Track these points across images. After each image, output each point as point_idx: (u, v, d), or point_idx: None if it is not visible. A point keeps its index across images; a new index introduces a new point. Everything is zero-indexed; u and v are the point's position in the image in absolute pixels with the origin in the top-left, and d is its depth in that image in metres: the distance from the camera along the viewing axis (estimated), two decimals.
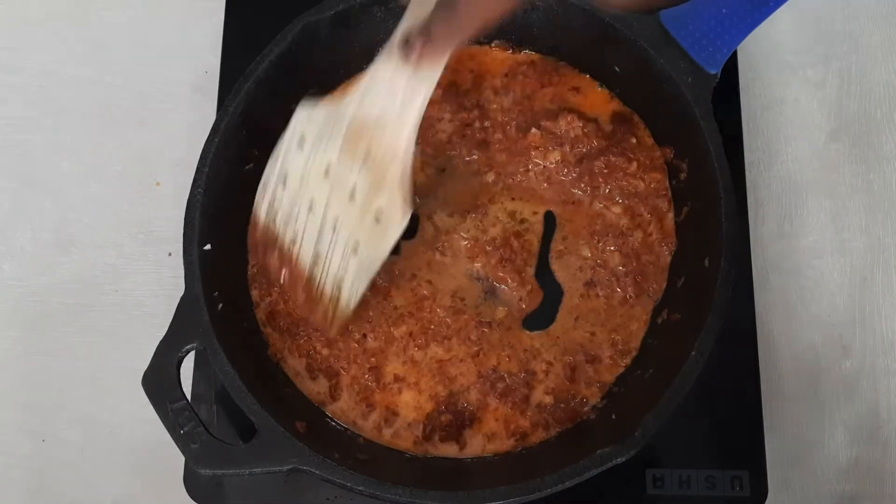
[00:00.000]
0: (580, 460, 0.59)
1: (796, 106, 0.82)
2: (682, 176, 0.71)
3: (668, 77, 0.68)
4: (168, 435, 0.59)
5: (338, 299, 0.64)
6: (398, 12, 0.73)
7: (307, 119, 0.62)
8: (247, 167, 0.72)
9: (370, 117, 0.58)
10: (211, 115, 0.77)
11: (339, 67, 0.76)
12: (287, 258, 0.64)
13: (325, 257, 0.63)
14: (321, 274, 0.63)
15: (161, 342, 0.62)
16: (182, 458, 0.63)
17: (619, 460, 0.59)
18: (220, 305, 0.65)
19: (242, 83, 0.69)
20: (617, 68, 0.73)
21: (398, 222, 0.60)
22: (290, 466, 0.59)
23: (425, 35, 0.53)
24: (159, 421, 0.60)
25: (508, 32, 0.76)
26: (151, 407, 0.60)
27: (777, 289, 0.76)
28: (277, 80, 0.71)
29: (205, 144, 0.67)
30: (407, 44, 0.54)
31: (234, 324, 0.66)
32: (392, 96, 0.57)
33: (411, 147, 0.57)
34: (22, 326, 0.77)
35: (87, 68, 0.84)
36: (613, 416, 0.66)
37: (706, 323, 0.62)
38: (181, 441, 0.59)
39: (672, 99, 0.69)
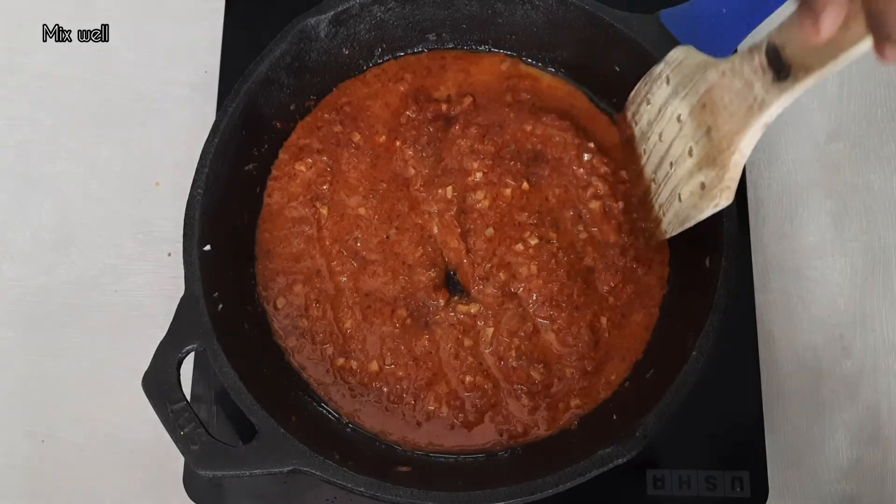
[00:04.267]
0: (581, 461, 0.59)
1: (797, 106, 0.81)
2: None
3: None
4: (168, 435, 0.59)
5: (659, 222, 0.67)
6: (398, 12, 0.74)
7: (677, 63, 0.64)
8: (247, 167, 0.72)
9: (721, 99, 0.58)
10: (211, 115, 0.77)
11: (338, 67, 0.76)
12: (639, 151, 0.70)
13: (660, 183, 0.66)
14: (654, 192, 0.67)
15: (161, 342, 0.62)
16: (182, 459, 0.63)
17: (620, 461, 0.59)
18: (220, 306, 0.65)
19: (242, 83, 0.69)
20: (617, 68, 0.73)
21: (714, 202, 0.60)
22: (290, 468, 0.59)
23: (793, 62, 0.52)
24: (159, 421, 0.60)
25: (509, 33, 0.76)
26: (151, 407, 0.60)
27: (777, 289, 0.76)
28: (277, 81, 0.71)
29: (205, 144, 0.67)
30: (776, 55, 0.52)
31: (234, 324, 0.66)
32: (745, 94, 0.56)
33: (749, 147, 0.57)
34: (22, 326, 0.77)
35: (87, 68, 0.85)
36: (614, 417, 0.66)
37: (706, 323, 0.62)
38: (181, 442, 0.59)
39: None
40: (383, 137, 0.75)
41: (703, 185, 0.60)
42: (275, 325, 0.71)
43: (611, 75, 0.74)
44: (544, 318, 0.70)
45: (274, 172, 0.74)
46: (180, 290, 0.63)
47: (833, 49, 0.49)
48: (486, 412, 0.68)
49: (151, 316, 0.76)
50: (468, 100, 0.76)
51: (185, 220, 0.65)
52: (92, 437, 0.74)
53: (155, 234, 0.79)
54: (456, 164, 0.74)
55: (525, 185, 0.73)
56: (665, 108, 0.65)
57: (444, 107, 0.76)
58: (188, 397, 0.63)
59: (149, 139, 0.82)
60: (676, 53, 0.64)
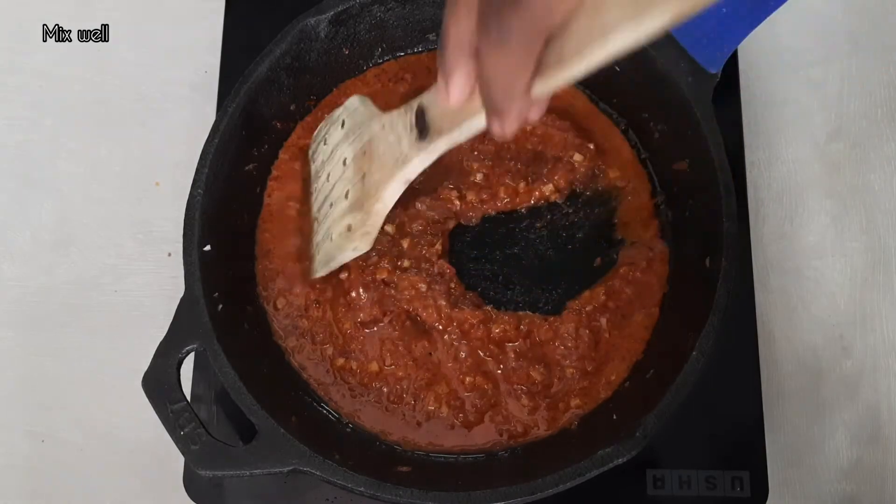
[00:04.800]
0: (581, 461, 0.59)
1: (797, 106, 0.82)
2: (683, 176, 0.71)
3: (668, 77, 0.68)
4: (168, 435, 0.59)
5: (313, 258, 0.69)
6: (397, 12, 0.74)
7: (353, 110, 0.67)
8: (247, 167, 0.72)
9: (378, 149, 0.62)
10: (211, 115, 0.77)
11: (338, 67, 0.76)
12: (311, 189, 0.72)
13: (320, 222, 0.68)
14: (315, 230, 0.69)
15: (161, 343, 0.62)
16: (182, 459, 0.63)
17: (620, 461, 0.59)
18: (220, 306, 0.65)
19: (242, 83, 0.69)
20: (617, 68, 0.73)
21: (353, 245, 0.63)
22: (290, 467, 0.59)
23: (431, 124, 0.55)
24: (159, 421, 0.60)
25: None
26: (151, 407, 0.60)
27: (777, 289, 0.76)
28: (277, 81, 0.71)
29: (205, 144, 0.67)
30: (422, 115, 0.56)
31: (234, 324, 0.66)
32: (395, 148, 0.59)
33: (392, 198, 0.61)
34: (22, 326, 0.77)
35: (87, 68, 0.84)
36: (614, 417, 0.66)
37: (706, 323, 0.62)
38: (181, 442, 0.59)
39: (672, 99, 0.69)
40: None
41: (349, 227, 0.63)
42: (275, 325, 0.71)
43: (611, 75, 0.74)
44: None
45: (274, 172, 0.74)
46: (180, 290, 0.63)
47: (462, 116, 0.51)
48: (486, 412, 0.68)
49: (151, 316, 0.76)
50: None
51: (185, 220, 0.65)
52: (92, 437, 0.74)
53: (155, 234, 0.79)
54: (456, 164, 0.74)
55: (522, 185, 0.73)
56: (336, 150, 0.67)
57: None
58: (188, 397, 0.63)
59: (149, 139, 0.82)
60: (353, 101, 0.67)
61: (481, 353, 0.69)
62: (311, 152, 0.72)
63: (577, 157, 0.74)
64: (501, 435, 0.68)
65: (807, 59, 0.83)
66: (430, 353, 0.69)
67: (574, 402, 0.68)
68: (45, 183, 0.81)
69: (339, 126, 0.68)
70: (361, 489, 0.59)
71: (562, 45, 0.42)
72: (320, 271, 0.67)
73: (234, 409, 0.61)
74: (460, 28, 0.43)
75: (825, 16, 0.84)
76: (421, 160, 0.57)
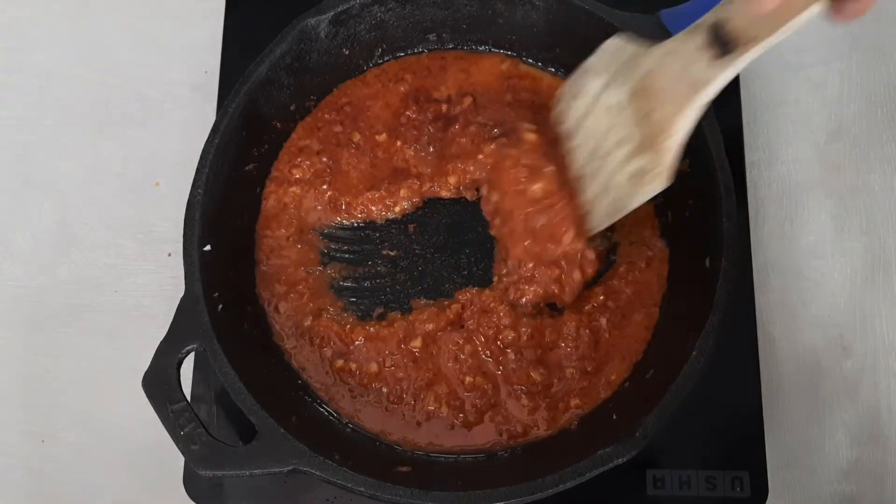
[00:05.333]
0: (581, 461, 0.59)
1: (797, 106, 0.82)
2: (683, 176, 0.71)
3: None
4: (168, 435, 0.59)
5: (587, 214, 0.66)
6: (398, 12, 0.74)
7: (612, 54, 0.63)
8: (247, 167, 0.72)
9: (659, 84, 0.58)
10: (211, 115, 0.77)
11: (338, 68, 0.76)
12: (566, 150, 0.68)
13: (590, 176, 0.65)
14: (585, 185, 0.66)
15: (161, 343, 0.62)
16: (182, 459, 0.63)
17: (620, 461, 0.59)
18: (220, 306, 0.65)
19: (242, 84, 0.69)
20: None
21: (648, 187, 0.60)
22: (290, 467, 0.59)
23: (739, 36, 0.52)
24: (159, 421, 0.60)
25: (509, 33, 0.76)
26: (151, 407, 0.60)
27: (777, 289, 0.76)
28: (277, 81, 0.71)
29: (205, 144, 0.67)
30: (719, 31, 0.53)
31: (234, 324, 0.66)
32: (684, 75, 0.56)
33: (686, 129, 0.57)
34: (22, 326, 0.77)
35: (87, 68, 0.85)
36: (614, 417, 0.66)
37: (706, 323, 0.62)
38: (181, 442, 0.59)
39: None
40: (384, 137, 0.76)
41: (638, 171, 0.60)
42: (275, 325, 0.71)
43: None
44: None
45: (274, 173, 0.74)
46: (180, 290, 0.63)
47: (782, 15, 0.49)
48: (486, 412, 0.68)
49: (151, 316, 0.76)
50: (468, 100, 0.76)
51: (185, 220, 0.65)
52: (92, 437, 0.74)
53: (155, 234, 0.79)
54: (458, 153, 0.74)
55: None
56: (598, 99, 0.64)
57: (444, 107, 0.76)
58: (188, 397, 0.63)
59: (149, 139, 0.82)
60: (612, 43, 0.64)
61: (482, 355, 0.69)
62: (558, 112, 0.68)
63: None
64: (501, 435, 0.68)
65: (807, 59, 0.83)
66: (431, 354, 0.69)
67: (574, 402, 0.68)
68: (45, 183, 0.81)
69: (596, 76, 0.64)
70: (361, 489, 0.59)
71: None
72: (605, 223, 0.65)
73: (234, 409, 0.61)
74: None
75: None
76: (726, 76, 0.54)
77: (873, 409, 0.73)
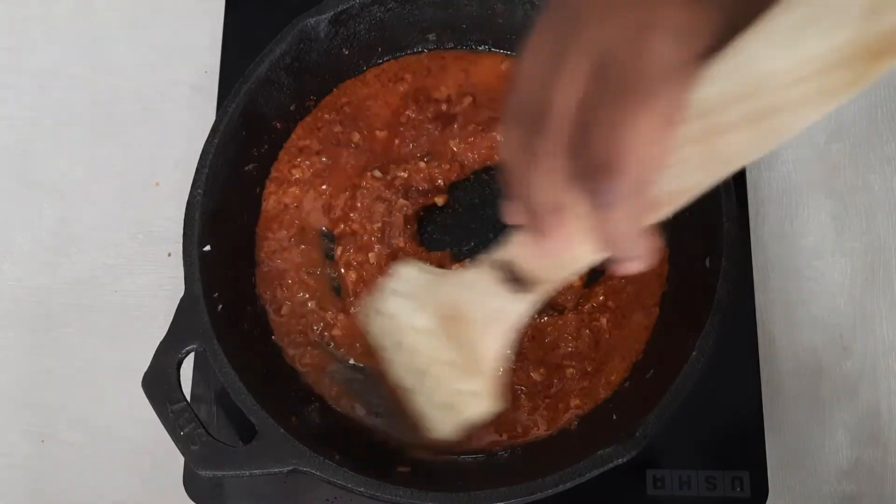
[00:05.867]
0: (581, 461, 0.59)
1: None
2: None
3: None
4: (168, 436, 0.59)
5: (422, 423, 0.61)
6: (397, 12, 0.74)
7: (409, 279, 0.59)
8: (247, 167, 0.72)
9: (464, 309, 0.55)
10: (211, 115, 0.77)
11: (338, 68, 0.76)
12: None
13: (414, 392, 0.59)
14: (408, 397, 0.61)
15: (161, 343, 0.62)
16: (181, 459, 0.63)
17: (620, 461, 0.59)
18: (220, 306, 0.65)
19: (242, 83, 0.69)
20: None
21: (483, 409, 0.56)
22: (290, 467, 0.59)
23: (528, 278, 0.51)
24: (159, 422, 0.60)
25: (509, 33, 0.76)
26: (151, 408, 0.60)
27: (777, 289, 0.76)
28: (277, 81, 0.71)
29: (205, 144, 0.67)
30: (509, 271, 0.51)
31: (234, 325, 0.66)
32: (487, 305, 0.54)
33: (503, 352, 0.55)
34: (22, 326, 0.77)
35: (87, 68, 0.84)
36: (614, 417, 0.66)
37: (706, 323, 0.62)
38: (181, 442, 0.59)
39: None
40: (384, 137, 0.76)
41: (468, 393, 0.56)
42: (275, 325, 0.71)
43: None
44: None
45: (273, 173, 0.74)
46: (180, 290, 0.63)
47: (566, 262, 0.49)
48: None
49: (151, 316, 0.76)
50: (468, 100, 0.76)
51: (185, 220, 0.65)
52: (92, 437, 0.74)
53: (155, 234, 0.79)
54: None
55: None
56: (410, 320, 0.58)
57: (444, 107, 0.76)
58: (188, 397, 0.63)
59: (149, 139, 0.82)
60: (405, 271, 0.59)
61: None
62: (367, 324, 0.62)
63: None
64: (501, 435, 0.68)
65: None
66: None
67: (574, 402, 0.68)
68: (45, 183, 0.81)
69: (395, 296, 0.59)
70: (361, 489, 0.59)
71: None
72: (447, 436, 0.59)
73: (234, 409, 0.61)
74: (546, 185, 0.41)
75: None
76: (527, 310, 0.53)
77: (873, 409, 0.73)
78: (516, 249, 0.51)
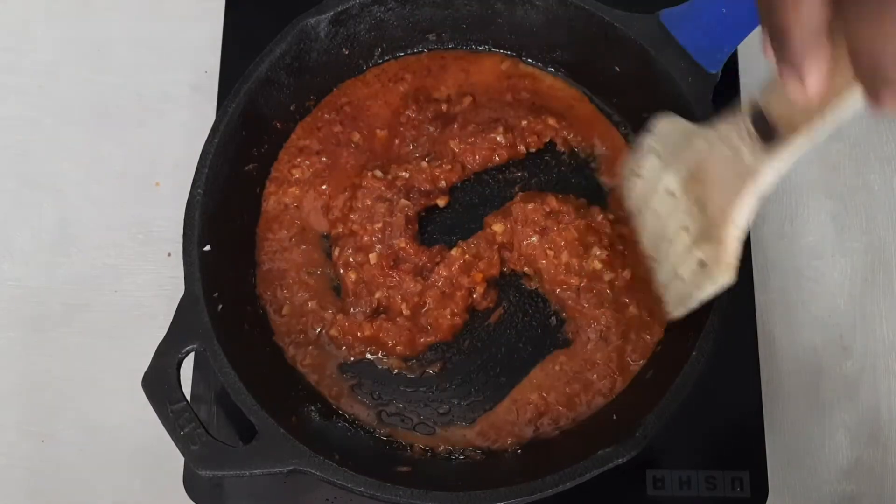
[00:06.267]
0: (581, 461, 0.59)
1: None
2: None
3: (668, 77, 0.68)
4: (167, 436, 0.59)
5: (660, 301, 0.62)
6: (397, 12, 0.74)
7: (664, 135, 0.59)
8: (247, 167, 0.72)
9: (711, 171, 0.54)
10: (211, 115, 0.77)
11: (338, 67, 0.76)
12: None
13: (660, 260, 0.61)
14: (655, 268, 0.62)
15: (161, 343, 0.62)
16: (181, 459, 0.63)
17: (620, 461, 0.59)
18: (220, 306, 0.65)
19: (242, 83, 0.69)
20: (617, 68, 0.73)
21: (714, 281, 0.56)
22: (290, 467, 0.59)
23: (780, 124, 0.48)
24: (159, 421, 0.60)
25: (509, 33, 0.76)
26: (151, 408, 0.60)
27: (777, 289, 0.76)
28: (277, 81, 0.71)
29: (205, 144, 0.67)
30: (761, 118, 0.48)
31: (234, 324, 0.66)
32: (734, 163, 0.51)
33: (745, 220, 0.53)
34: (22, 326, 0.77)
35: (87, 68, 0.85)
36: (614, 417, 0.66)
37: (706, 323, 0.62)
38: (181, 442, 0.59)
39: (672, 99, 0.68)
40: (384, 136, 0.76)
41: (701, 263, 0.56)
42: (275, 325, 0.71)
43: (611, 75, 0.74)
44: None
45: (273, 173, 0.74)
46: (180, 290, 0.63)
47: (822, 105, 0.44)
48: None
49: (151, 316, 0.76)
50: (468, 100, 0.76)
51: (185, 220, 0.65)
52: (92, 437, 0.74)
53: (155, 234, 0.79)
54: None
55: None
56: (658, 182, 0.59)
57: (444, 107, 0.76)
58: (188, 397, 0.63)
59: (149, 139, 0.82)
60: (662, 125, 0.60)
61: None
62: (624, 189, 0.64)
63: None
64: (501, 434, 0.68)
65: None
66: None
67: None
68: (45, 183, 0.81)
69: (653, 156, 0.60)
70: (361, 489, 0.59)
71: None
72: (677, 311, 0.61)
73: (234, 409, 0.61)
74: (804, 8, 0.38)
75: None
76: (775, 168, 0.49)
77: (873, 409, 0.73)
78: (772, 91, 0.47)
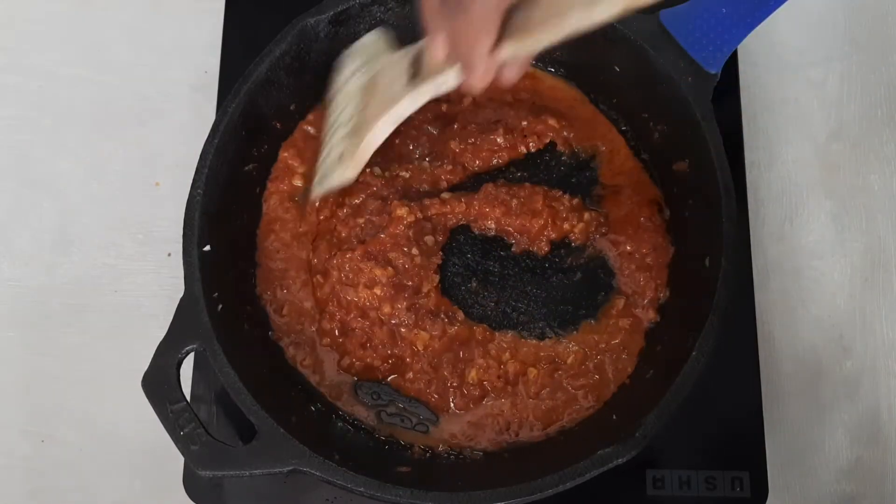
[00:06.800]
0: (581, 461, 0.59)
1: (797, 106, 0.82)
2: (683, 177, 0.71)
3: (668, 77, 0.68)
4: (167, 436, 0.59)
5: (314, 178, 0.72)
6: (397, 12, 0.74)
7: (368, 44, 0.71)
8: (246, 167, 0.72)
9: (380, 83, 0.66)
10: (211, 116, 0.77)
11: (338, 67, 0.76)
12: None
13: (325, 143, 0.71)
14: (321, 150, 0.72)
15: (161, 343, 0.62)
16: (181, 459, 0.63)
17: (620, 461, 0.59)
18: (220, 306, 0.65)
19: (242, 84, 0.69)
20: (617, 68, 0.73)
21: (342, 171, 0.67)
22: (290, 468, 0.59)
23: (422, 70, 0.62)
24: (159, 422, 0.60)
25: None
26: (151, 408, 0.60)
27: (777, 289, 0.76)
28: (277, 81, 0.71)
29: (204, 144, 0.67)
30: (417, 58, 0.62)
31: (234, 324, 0.66)
32: (392, 87, 0.64)
33: (381, 134, 0.65)
34: (22, 326, 0.77)
35: (87, 68, 0.84)
36: (614, 417, 0.66)
37: (706, 323, 0.62)
38: (181, 442, 0.59)
39: (672, 99, 0.69)
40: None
41: (342, 154, 0.67)
42: (275, 325, 0.71)
43: (611, 75, 0.74)
44: None
45: (273, 173, 0.74)
46: (180, 290, 0.63)
47: (444, 67, 0.58)
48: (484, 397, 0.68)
49: (151, 316, 0.76)
50: (468, 100, 0.76)
51: (185, 220, 0.65)
52: (92, 437, 0.74)
53: (155, 234, 0.79)
54: None
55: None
56: (349, 79, 0.70)
57: (444, 107, 0.76)
58: (188, 397, 0.63)
59: (149, 139, 0.82)
60: (370, 36, 0.71)
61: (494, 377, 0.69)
62: (330, 81, 0.74)
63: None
64: (501, 435, 0.68)
65: (807, 59, 0.83)
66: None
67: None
68: (45, 183, 0.81)
69: (352, 60, 0.71)
70: (361, 489, 0.59)
71: (528, 15, 0.52)
72: (316, 191, 0.70)
73: (234, 409, 0.61)
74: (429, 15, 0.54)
75: (825, 16, 0.84)
76: (409, 101, 0.63)
77: (873, 409, 0.73)
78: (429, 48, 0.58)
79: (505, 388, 0.68)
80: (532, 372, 0.68)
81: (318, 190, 0.70)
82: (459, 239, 0.73)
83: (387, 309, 0.68)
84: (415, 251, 0.69)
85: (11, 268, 0.79)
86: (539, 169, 0.75)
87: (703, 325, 0.62)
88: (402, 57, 0.64)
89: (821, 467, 0.72)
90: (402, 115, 0.64)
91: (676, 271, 0.70)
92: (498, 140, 0.74)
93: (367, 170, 0.72)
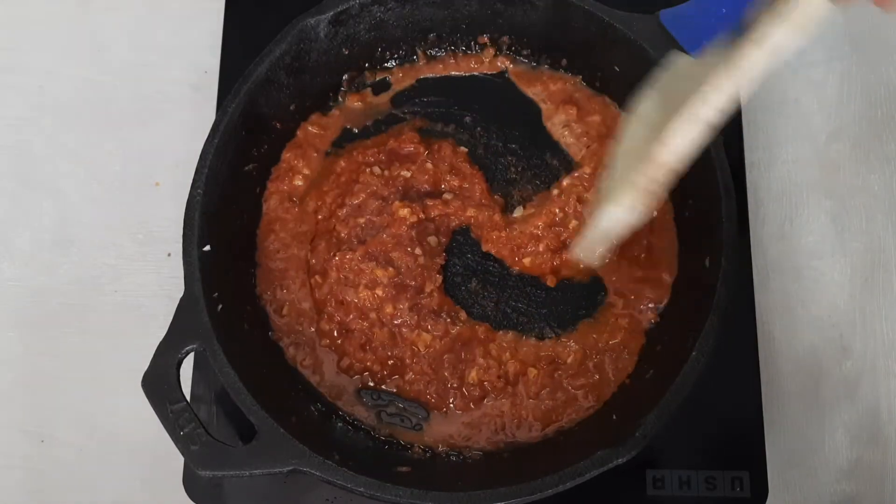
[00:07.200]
0: (581, 461, 0.59)
1: (797, 106, 0.82)
2: (683, 177, 0.71)
3: None
4: (167, 436, 0.59)
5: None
6: (397, 12, 0.74)
7: (670, 69, 0.61)
8: (247, 167, 0.72)
9: (678, 101, 0.56)
10: (211, 115, 0.77)
11: (338, 67, 0.76)
12: None
13: (614, 167, 0.60)
14: (607, 174, 0.62)
15: (161, 343, 0.62)
16: (181, 459, 0.63)
17: (620, 461, 0.59)
18: (220, 306, 0.65)
19: (242, 84, 0.69)
20: (617, 68, 0.73)
21: (618, 218, 0.59)
22: (290, 467, 0.59)
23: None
24: (159, 422, 0.60)
25: (508, 33, 0.76)
26: (151, 408, 0.60)
27: (777, 289, 0.76)
28: (277, 81, 0.71)
29: (204, 144, 0.67)
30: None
31: (234, 324, 0.66)
32: (692, 101, 0.55)
33: (682, 152, 0.56)
34: (22, 326, 0.77)
35: (87, 68, 0.85)
36: (614, 417, 0.66)
37: (706, 323, 0.62)
38: (181, 442, 0.59)
39: None
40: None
41: (635, 180, 0.58)
42: (275, 325, 0.71)
43: (611, 75, 0.74)
44: None
45: (274, 173, 0.74)
46: (180, 290, 0.63)
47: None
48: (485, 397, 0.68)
49: (151, 316, 0.76)
50: None
51: (185, 220, 0.65)
52: (92, 437, 0.74)
53: (155, 234, 0.79)
54: None
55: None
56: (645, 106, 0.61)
57: None
58: (188, 397, 0.63)
59: (149, 139, 0.82)
60: (677, 57, 0.61)
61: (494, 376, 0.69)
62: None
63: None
64: (501, 434, 0.68)
65: (807, 59, 0.83)
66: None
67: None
68: (45, 183, 0.81)
69: (652, 86, 0.61)
70: (361, 489, 0.59)
71: None
72: (602, 215, 0.60)
73: (234, 409, 0.61)
74: None
75: (826, 17, 0.84)
76: (720, 112, 0.54)
77: (873, 409, 0.73)
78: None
79: (505, 389, 0.68)
80: (532, 372, 0.68)
81: (602, 215, 0.60)
82: (459, 239, 0.73)
83: (388, 309, 0.68)
84: (418, 251, 0.69)
85: (11, 268, 0.79)
86: (539, 169, 0.75)
87: (703, 325, 0.62)
88: (708, 64, 0.54)
89: (821, 467, 0.72)
90: (713, 126, 0.54)
91: (676, 271, 0.70)
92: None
93: (367, 169, 0.72)
